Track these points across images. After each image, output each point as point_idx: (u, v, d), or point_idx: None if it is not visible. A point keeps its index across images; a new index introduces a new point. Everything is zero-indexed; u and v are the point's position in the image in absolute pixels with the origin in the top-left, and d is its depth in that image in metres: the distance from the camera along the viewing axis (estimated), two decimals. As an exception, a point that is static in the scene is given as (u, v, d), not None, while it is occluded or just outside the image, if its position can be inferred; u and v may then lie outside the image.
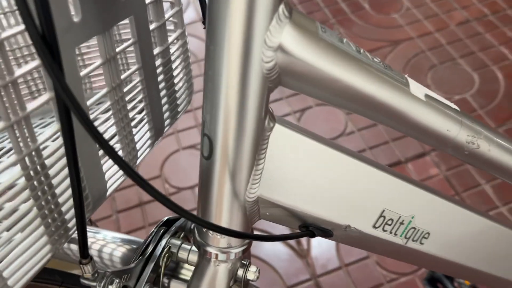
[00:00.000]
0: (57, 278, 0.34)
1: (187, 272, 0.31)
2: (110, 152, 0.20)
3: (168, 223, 0.32)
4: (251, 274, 0.29)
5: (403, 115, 0.27)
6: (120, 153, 0.28)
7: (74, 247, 0.35)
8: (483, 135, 0.30)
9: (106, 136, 0.26)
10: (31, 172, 0.22)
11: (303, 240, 0.99)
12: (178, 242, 0.30)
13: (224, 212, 0.26)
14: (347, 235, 0.31)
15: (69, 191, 0.24)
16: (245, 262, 0.29)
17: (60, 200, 0.24)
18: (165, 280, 0.31)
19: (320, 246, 0.98)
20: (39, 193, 0.22)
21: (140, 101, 0.28)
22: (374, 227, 0.31)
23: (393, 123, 0.28)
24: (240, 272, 0.29)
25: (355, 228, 0.30)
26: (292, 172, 0.27)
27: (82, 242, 0.23)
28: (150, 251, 0.29)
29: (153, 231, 0.31)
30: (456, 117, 0.29)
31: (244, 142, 0.24)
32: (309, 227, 0.29)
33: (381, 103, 0.26)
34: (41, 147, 0.22)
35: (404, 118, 0.27)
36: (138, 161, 0.30)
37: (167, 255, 0.29)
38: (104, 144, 0.19)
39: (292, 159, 0.26)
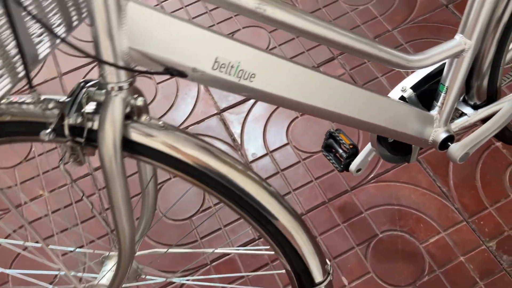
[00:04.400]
0: (21, 129, 0.53)
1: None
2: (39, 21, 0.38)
3: (86, 82, 0.51)
4: (139, 102, 0.49)
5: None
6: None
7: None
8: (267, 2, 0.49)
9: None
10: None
11: (237, 136, 1.21)
12: (94, 89, 0.49)
13: (110, 50, 0.45)
14: (198, 76, 0.51)
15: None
16: (136, 96, 0.49)
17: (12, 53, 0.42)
18: (89, 115, 0.50)
19: (250, 140, 1.20)
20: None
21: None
22: (213, 69, 0.51)
23: None
24: (132, 101, 0.49)
25: (201, 70, 0.50)
26: (153, 30, 0.46)
27: (27, 77, 0.42)
28: (76, 94, 0.48)
29: (75, 85, 0.50)
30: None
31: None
32: (169, 69, 0.48)
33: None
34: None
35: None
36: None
37: (86, 96, 0.49)
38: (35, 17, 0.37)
39: (150, 22, 0.45)
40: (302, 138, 1.19)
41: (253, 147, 1.19)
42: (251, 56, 0.53)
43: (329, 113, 0.63)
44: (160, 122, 0.51)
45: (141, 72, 0.48)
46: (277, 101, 0.59)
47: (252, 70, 0.53)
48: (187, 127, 1.23)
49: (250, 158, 1.18)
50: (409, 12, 1.34)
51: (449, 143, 0.78)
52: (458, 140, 0.79)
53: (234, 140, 1.21)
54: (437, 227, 1.04)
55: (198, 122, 1.24)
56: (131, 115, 0.50)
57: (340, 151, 0.97)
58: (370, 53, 0.61)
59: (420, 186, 1.09)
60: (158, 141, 0.50)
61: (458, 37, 0.69)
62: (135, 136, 0.50)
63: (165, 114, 1.26)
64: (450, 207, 1.06)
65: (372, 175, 1.12)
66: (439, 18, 1.32)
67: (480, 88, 0.78)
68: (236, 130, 1.22)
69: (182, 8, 1.45)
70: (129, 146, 0.51)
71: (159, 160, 0.52)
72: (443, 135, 0.77)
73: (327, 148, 1.00)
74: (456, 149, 0.76)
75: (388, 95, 0.78)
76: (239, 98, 1.27)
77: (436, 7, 1.34)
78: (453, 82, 0.73)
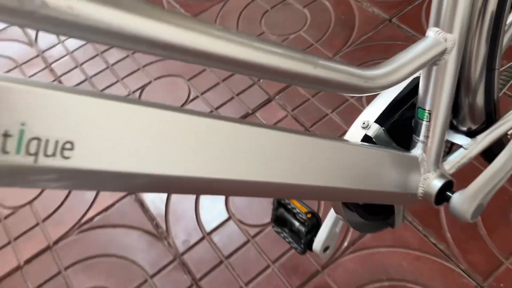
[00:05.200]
0: None
1: None
2: None
3: None
4: None
5: None
6: None
7: None
8: None
9: None
10: None
11: (160, 220, 0.90)
12: None
13: None
14: None
15: None
16: None
17: None
18: None
19: (179, 222, 0.90)
20: None
21: None
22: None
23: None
24: None
25: None
26: None
27: None
28: None
29: None
30: None
31: None
32: None
33: None
34: None
35: None
36: None
37: None
38: None
39: None
40: (247, 208, 0.90)
41: (183, 232, 0.89)
42: (56, 104, 0.25)
43: (250, 186, 0.35)
44: None
45: None
46: (140, 186, 0.30)
47: (64, 135, 0.25)
48: (91, 218, 0.92)
49: (182, 249, 0.87)
50: (348, 34, 1.13)
51: (448, 193, 0.51)
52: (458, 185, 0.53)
53: (157, 226, 0.90)
54: (446, 301, 0.76)
55: (106, 209, 0.93)
56: None
57: (296, 224, 0.68)
58: (301, 75, 0.35)
59: (411, 247, 0.82)
60: None
61: (432, 32, 0.44)
62: None
63: (59, 206, 0.94)
64: (456, 270, 0.79)
65: (346, 244, 0.83)
66: (385, 35, 1.12)
67: (474, 106, 0.53)
68: (158, 211, 0.92)
69: None
70: None
71: None
72: (438, 183, 0.51)
73: (279, 222, 0.71)
74: (463, 201, 0.50)
75: (345, 137, 0.52)
76: (158, 169, 0.98)
77: (379, 23, 1.14)
78: (438, 101, 0.47)
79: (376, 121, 0.51)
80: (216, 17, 1.21)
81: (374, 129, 0.51)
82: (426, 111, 0.48)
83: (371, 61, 1.07)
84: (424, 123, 0.49)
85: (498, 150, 0.55)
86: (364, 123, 0.51)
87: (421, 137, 0.50)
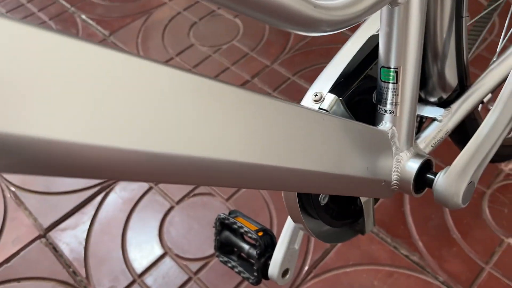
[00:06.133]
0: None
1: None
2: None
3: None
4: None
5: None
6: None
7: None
8: None
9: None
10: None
11: (78, 265, 0.72)
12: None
13: None
14: None
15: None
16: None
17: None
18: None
19: (101, 265, 0.72)
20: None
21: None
22: None
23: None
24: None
25: None
26: None
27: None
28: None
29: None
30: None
31: None
32: None
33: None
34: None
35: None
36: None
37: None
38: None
39: None
40: (186, 239, 0.75)
41: (108, 277, 0.71)
42: None
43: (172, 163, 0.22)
44: None
45: None
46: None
47: None
48: (-13, 276, 0.72)
49: (106, 298, 0.69)
50: (285, 40, 1.05)
51: (429, 176, 0.41)
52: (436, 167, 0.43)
53: (74, 273, 0.72)
54: (429, 322, 0.64)
55: (7, 260, 0.73)
56: None
57: (246, 247, 0.54)
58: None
59: (380, 263, 0.70)
60: None
61: (390, -38, 0.35)
62: None
63: None
64: (434, 283, 0.68)
65: (306, 267, 0.70)
66: (324, 39, 1.05)
67: (444, 68, 0.44)
68: (75, 255, 0.74)
69: None
70: None
71: None
72: (415, 164, 0.40)
73: (224, 248, 0.57)
74: (450, 182, 0.39)
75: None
76: (74, 203, 0.81)
77: (316, 29, 1.07)
78: (405, 53, 0.37)
79: (331, 91, 0.40)
80: (138, 33, 1.09)
81: (329, 101, 0.39)
82: (392, 69, 0.38)
83: (312, 66, 0.99)
84: (391, 86, 0.39)
85: (474, 131, 0.45)
86: (316, 95, 0.40)
87: (388, 106, 0.39)
